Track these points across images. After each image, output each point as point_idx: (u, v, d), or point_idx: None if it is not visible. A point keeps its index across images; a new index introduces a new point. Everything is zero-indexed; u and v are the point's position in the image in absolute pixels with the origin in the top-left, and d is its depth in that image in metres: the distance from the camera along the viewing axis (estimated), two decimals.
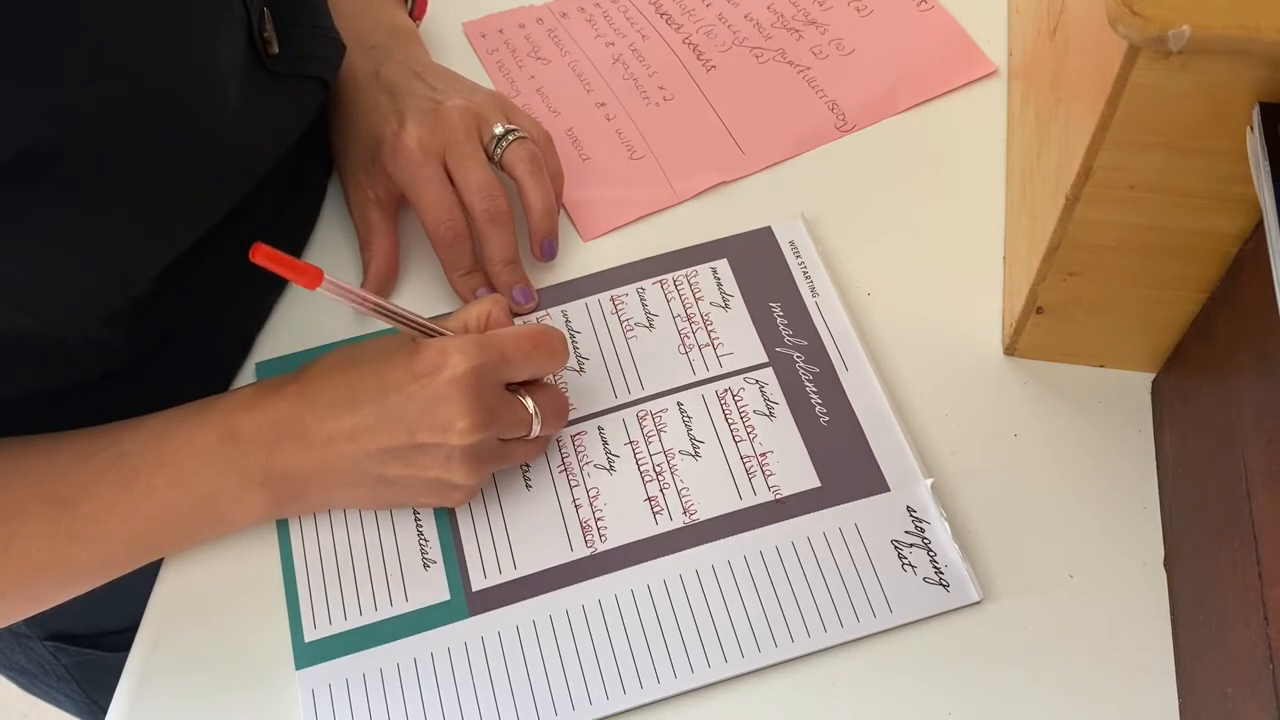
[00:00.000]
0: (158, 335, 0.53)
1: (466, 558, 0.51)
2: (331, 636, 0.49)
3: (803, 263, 0.58)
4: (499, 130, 0.58)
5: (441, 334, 0.49)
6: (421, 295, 0.59)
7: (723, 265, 0.58)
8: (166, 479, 0.47)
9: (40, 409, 0.49)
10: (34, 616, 0.65)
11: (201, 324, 0.55)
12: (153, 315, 0.52)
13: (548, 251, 0.58)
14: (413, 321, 0.48)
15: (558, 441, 0.53)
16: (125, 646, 0.51)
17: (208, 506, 0.48)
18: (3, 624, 0.50)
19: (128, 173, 0.44)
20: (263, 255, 0.43)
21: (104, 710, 0.49)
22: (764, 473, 0.52)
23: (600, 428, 0.54)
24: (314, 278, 0.44)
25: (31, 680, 0.72)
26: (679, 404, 0.54)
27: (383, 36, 0.62)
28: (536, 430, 0.50)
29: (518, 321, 0.57)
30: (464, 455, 0.48)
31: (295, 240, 0.62)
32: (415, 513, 0.52)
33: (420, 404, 0.47)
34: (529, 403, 0.50)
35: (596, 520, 0.51)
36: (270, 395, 0.48)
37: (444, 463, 0.48)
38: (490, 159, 0.58)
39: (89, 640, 0.66)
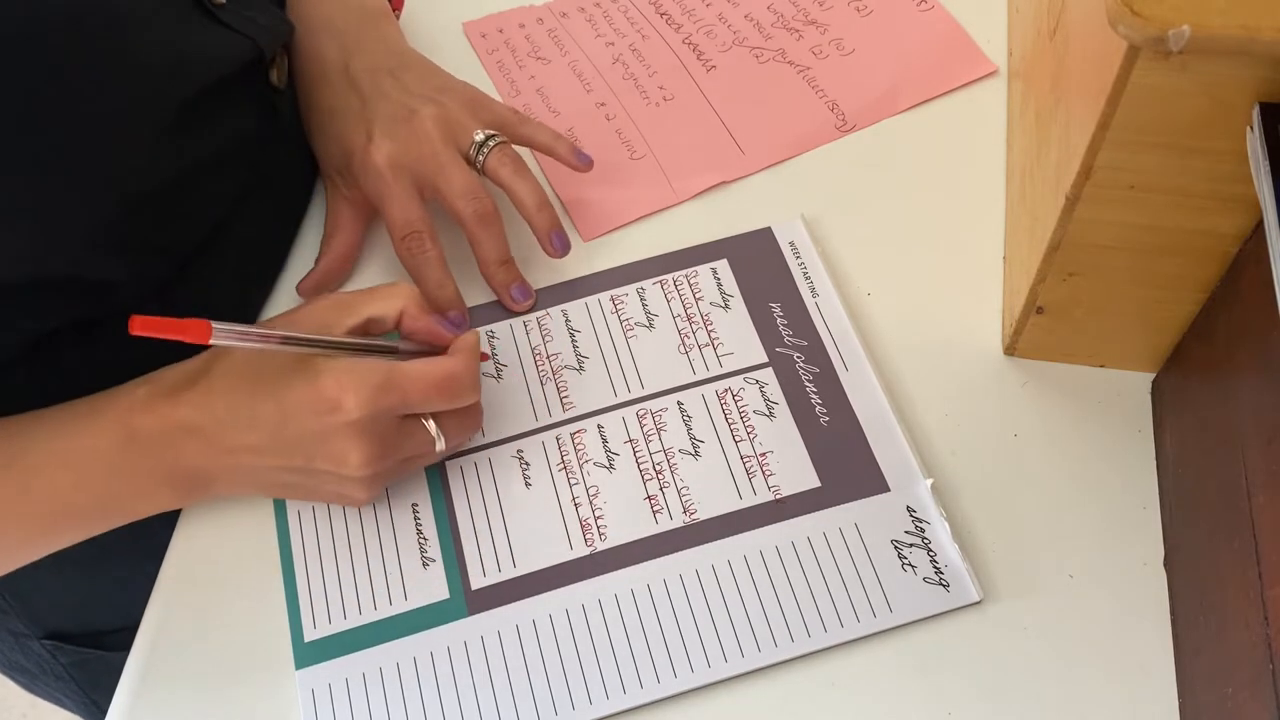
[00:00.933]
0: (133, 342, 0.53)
1: (466, 556, 0.51)
2: (331, 636, 0.49)
3: (803, 263, 0.58)
4: (479, 138, 0.57)
5: (356, 348, 0.48)
6: None
7: (723, 265, 0.58)
8: (71, 482, 0.47)
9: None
10: (32, 616, 0.65)
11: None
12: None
13: (559, 245, 0.58)
14: (324, 343, 0.47)
15: (557, 439, 0.53)
16: (123, 646, 0.51)
17: (113, 505, 0.49)
18: None
19: (44, 102, 0.43)
20: (140, 325, 0.42)
21: (103, 710, 0.49)
22: (764, 473, 0.52)
23: (600, 426, 0.54)
24: (202, 332, 0.42)
25: (31, 679, 0.72)
26: (679, 403, 0.54)
27: (353, 18, 0.61)
28: (440, 448, 0.50)
29: (519, 321, 0.57)
30: (359, 483, 0.49)
31: (283, 240, 0.62)
32: (415, 512, 0.52)
33: (316, 438, 0.47)
34: (431, 425, 0.49)
35: (596, 519, 0.51)
36: (168, 401, 0.47)
37: (340, 484, 0.49)
38: (472, 165, 0.58)
39: (86, 640, 0.66)
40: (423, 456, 0.51)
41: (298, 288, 0.59)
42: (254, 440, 0.47)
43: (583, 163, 0.60)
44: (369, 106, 0.58)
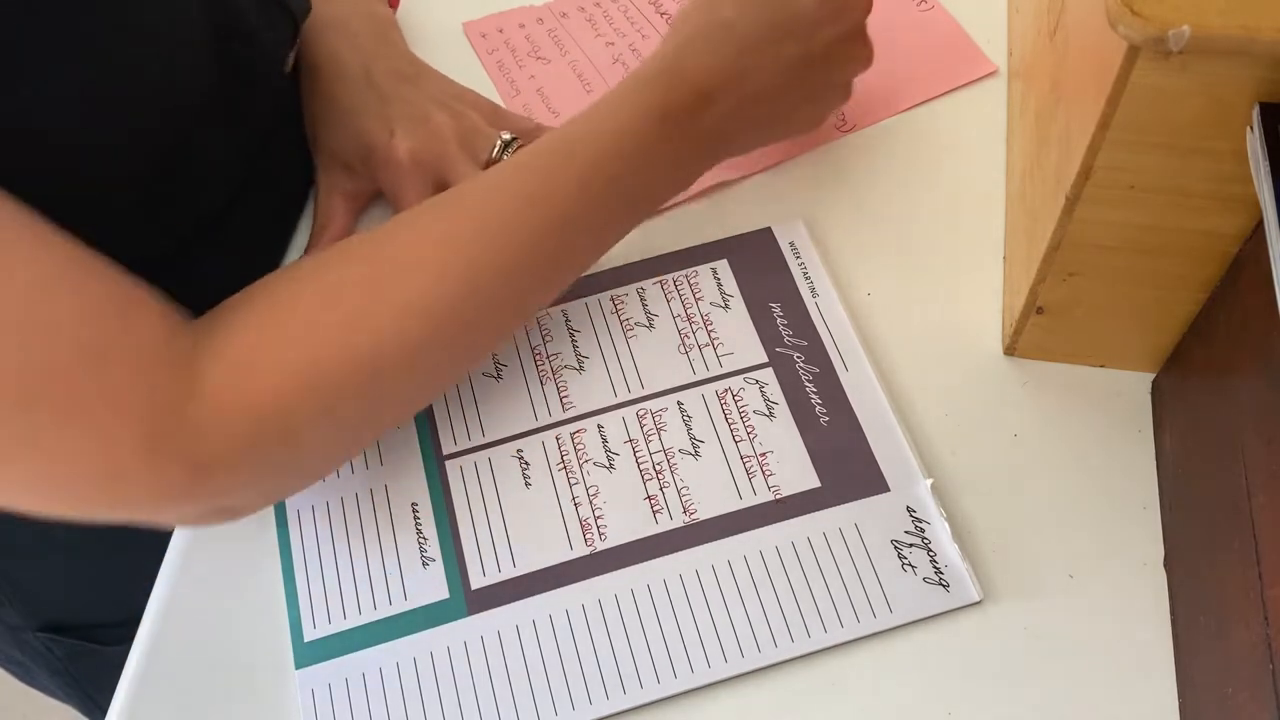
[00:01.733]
0: None
1: (465, 556, 0.51)
2: (331, 636, 0.49)
3: (803, 263, 0.58)
4: (505, 138, 0.60)
5: None
6: None
7: (723, 265, 0.58)
8: (622, 167, 0.50)
9: None
10: (28, 607, 0.65)
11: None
12: None
13: None
14: None
15: (557, 439, 0.53)
16: (119, 640, 0.51)
17: (657, 183, 0.53)
18: (484, 356, 0.55)
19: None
20: None
21: (97, 703, 0.50)
22: (764, 473, 0.52)
23: (600, 425, 0.54)
24: None
25: (26, 672, 0.72)
26: (679, 403, 0.54)
27: (365, 25, 0.63)
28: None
29: None
30: (847, 88, 0.57)
31: (284, 232, 0.62)
32: (415, 512, 0.52)
33: (839, 42, 0.54)
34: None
35: (596, 519, 0.51)
36: (684, 75, 0.52)
37: (833, 94, 0.57)
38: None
39: (83, 633, 0.66)
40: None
41: None
42: (772, 78, 0.53)
43: None
44: (389, 106, 0.59)
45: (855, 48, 0.56)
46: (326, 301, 0.45)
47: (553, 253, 0.50)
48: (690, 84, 0.51)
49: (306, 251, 0.61)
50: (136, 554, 0.53)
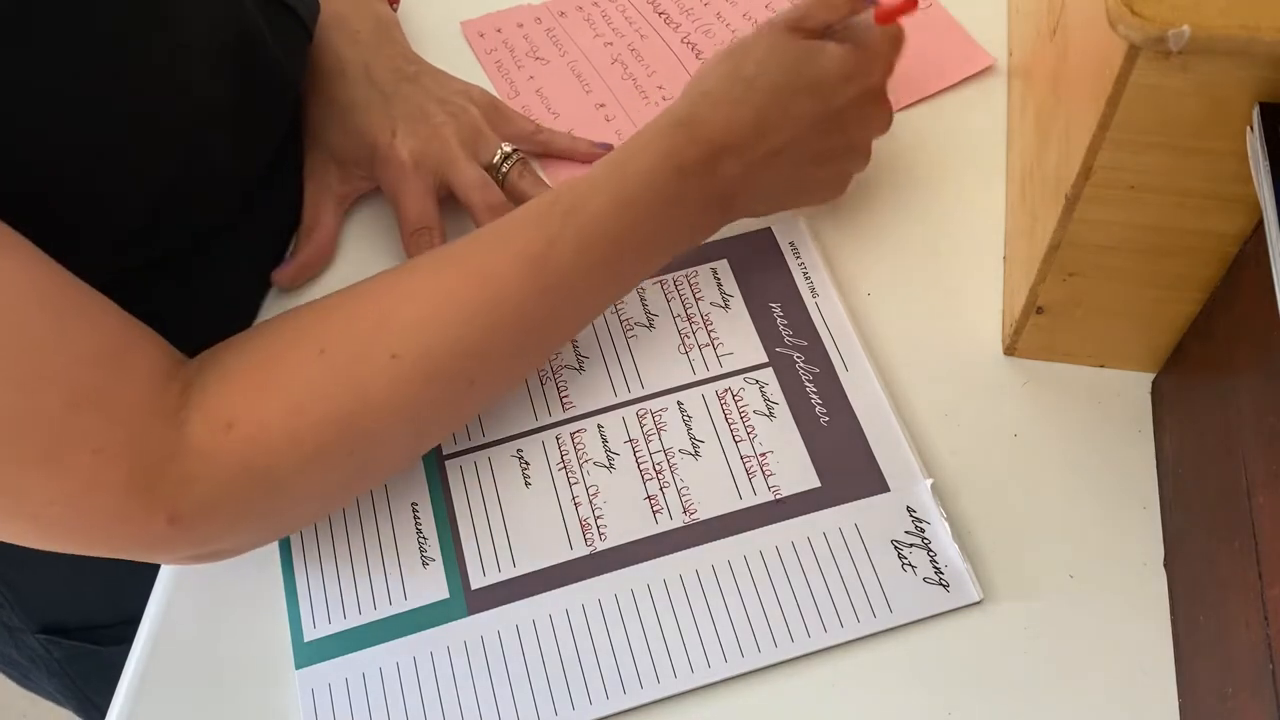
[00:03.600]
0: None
1: (465, 556, 0.51)
2: (331, 635, 0.49)
3: (803, 263, 0.58)
4: (505, 150, 0.60)
5: None
6: None
7: (723, 265, 0.58)
8: (631, 220, 0.49)
9: None
10: (27, 609, 0.65)
11: (189, 321, 0.55)
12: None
13: None
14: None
15: (557, 439, 0.53)
16: (117, 641, 0.51)
17: (666, 236, 0.52)
18: (476, 410, 0.52)
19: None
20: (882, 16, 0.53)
21: (95, 704, 0.50)
22: (764, 473, 0.51)
23: (600, 425, 0.54)
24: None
25: (24, 674, 0.72)
26: (679, 403, 0.54)
27: (366, 24, 0.63)
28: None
29: None
30: (865, 154, 0.56)
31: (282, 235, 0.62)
32: (415, 512, 0.52)
33: (853, 106, 0.53)
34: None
35: (596, 519, 0.51)
36: (704, 130, 0.51)
37: (850, 160, 0.56)
38: (493, 176, 0.60)
39: (81, 634, 0.66)
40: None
41: (274, 276, 0.60)
42: (790, 136, 0.52)
43: (603, 150, 0.63)
44: (391, 104, 0.59)
45: (874, 109, 0.55)
46: (315, 355, 0.45)
47: (553, 311, 0.49)
48: (707, 138, 0.50)
49: (293, 253, 0.60)
50: None
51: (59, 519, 0.41)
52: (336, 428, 0.44)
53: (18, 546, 0.63)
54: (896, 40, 0.55)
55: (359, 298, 0.47)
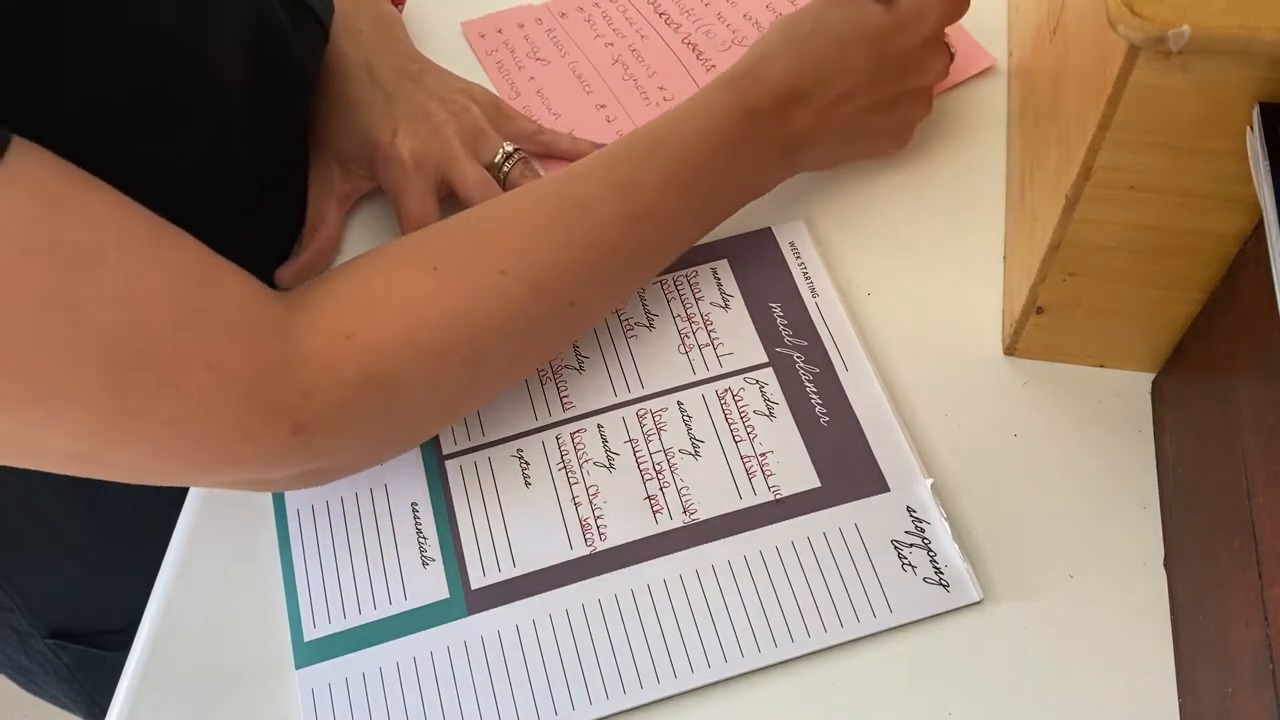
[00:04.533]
0: None
1: (465, 556, 0.51)
2: (331, 635, 0.49)
3: (803, 263, 0.58)
4: (506, 150, 0.60)
5: None
6: None
7: (723, 265, 0.58)
8: (707, 161, 0.52)
9: None
10: (36, 615, 0.65)
11: None
12: None
13: None
14: None
15: (557, 439, 0.53)
16: (124, 645, 0.51)
17: (740, 178, 0.55)
18: (575, 335, 0.55)
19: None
20: None
21: (104, 709, 0.49)
22: (764, 473, 0.52)
23: (600, 425, 0.54)
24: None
25: (32, 679, 0.72)
26: (679, 403, 0.54)
27: (369, 22, 0.63)
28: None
29: None
30: (928, 97, 0.59)
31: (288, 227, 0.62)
32: (415, 512, 0.52)
33: (907, 55, 0.56)
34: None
35: (596, 519, 0.51)
36: (770, 79, 0.54)
37: (912, 105, 0.58)
38: (494, 176, 0.60)
39: (89, 639, 0.66)
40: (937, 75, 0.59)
41: (277, 275, 0.60)
42: (850, 84, 0.55)
43: None
44: (393, 103, 0.60)
45: (931, 56, 0.57)
46: (425, 272, 0.47)
47: (641, 239, 0.51)
48: (771, 85, 0.53)
49: (297, 253, 0.60)
50: (144, 559, 0.53)
51: (181, 439, 0.41)
52: (452, 335, 0.46)
53: (28, 550, 0.63)
54: None
55: (467, 222, 0.49)
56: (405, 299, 0.46)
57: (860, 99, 0.55)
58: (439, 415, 0.50)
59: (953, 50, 0.60)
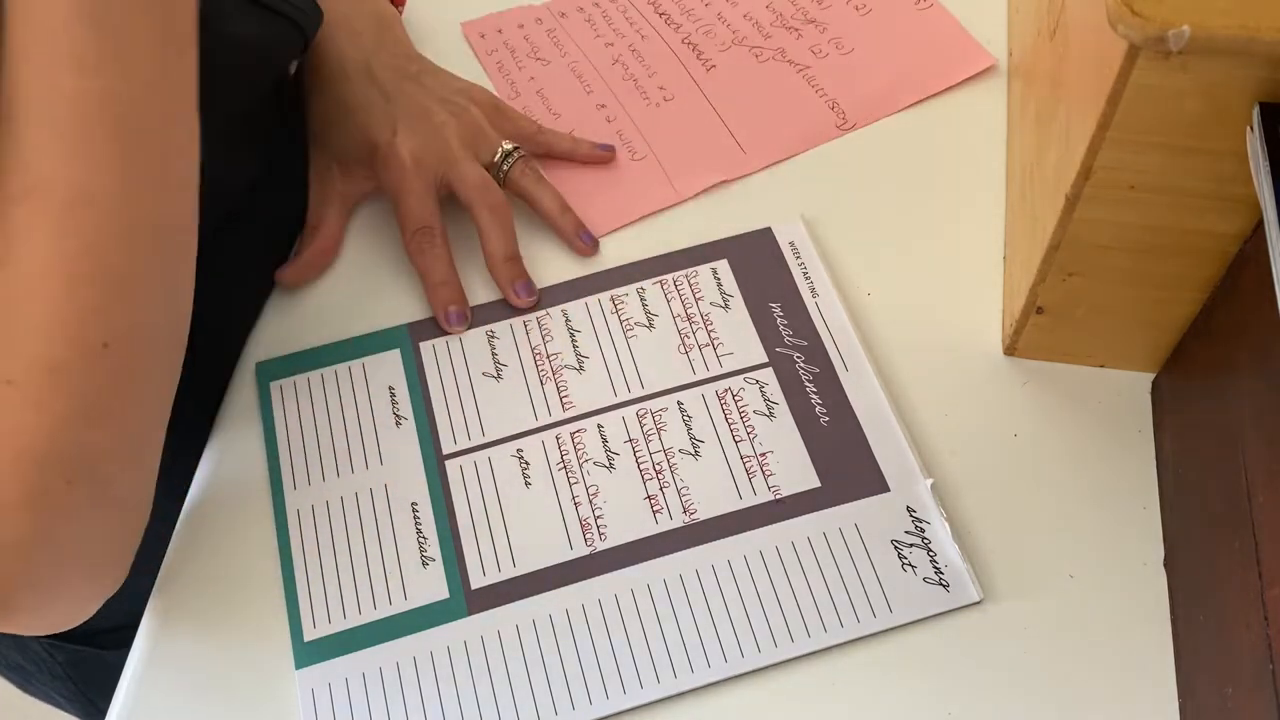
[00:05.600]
0: None
1: (465, 556, 0.51)
2: (331, 635, 0.49)
3: (803, 263, 0.58)
4: (505, 148, 0.60)
5: None
6: (398, 301, 0.59)
7: (723, 265, 0.58)
8: None
9: None
10: None
11: (195, 320, 0.55)
12: None
13: (589, 241, 0.60)
14: None
15: (557, 439, 0.53)
16: (119, 644, 0.51)
17: None
18: (168, 355, 0.43)
19: None
20: None
21: (99, 708, 0.49)
22: (764, 473, 0.51)
23: (600, 425, 0.54)
24: None
25: (27, 679, 0.72)
26: (679, 403, 0.54)
27: (368, 23, 0.63)
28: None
29: (519, 320, 0.57)
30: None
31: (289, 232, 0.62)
32: (415, 512, 0.52)
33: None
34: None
35: (596, 519, 0.51)
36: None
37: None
38: (494, 175, 0.60)
39: (83, 638, 0.66)
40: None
41: (277, 275, 0.60)
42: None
43: (606, 152, 0.63)
44: (393, 104, 0.60)
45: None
46: None
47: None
48: None
49: (297, 253, 0.60)
50: (141, 558, 0.53)
51: None
52: (34, 470, 0.39)
53: None
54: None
55: None
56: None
57: None
58: (123, 514, 0.43)
59: None
